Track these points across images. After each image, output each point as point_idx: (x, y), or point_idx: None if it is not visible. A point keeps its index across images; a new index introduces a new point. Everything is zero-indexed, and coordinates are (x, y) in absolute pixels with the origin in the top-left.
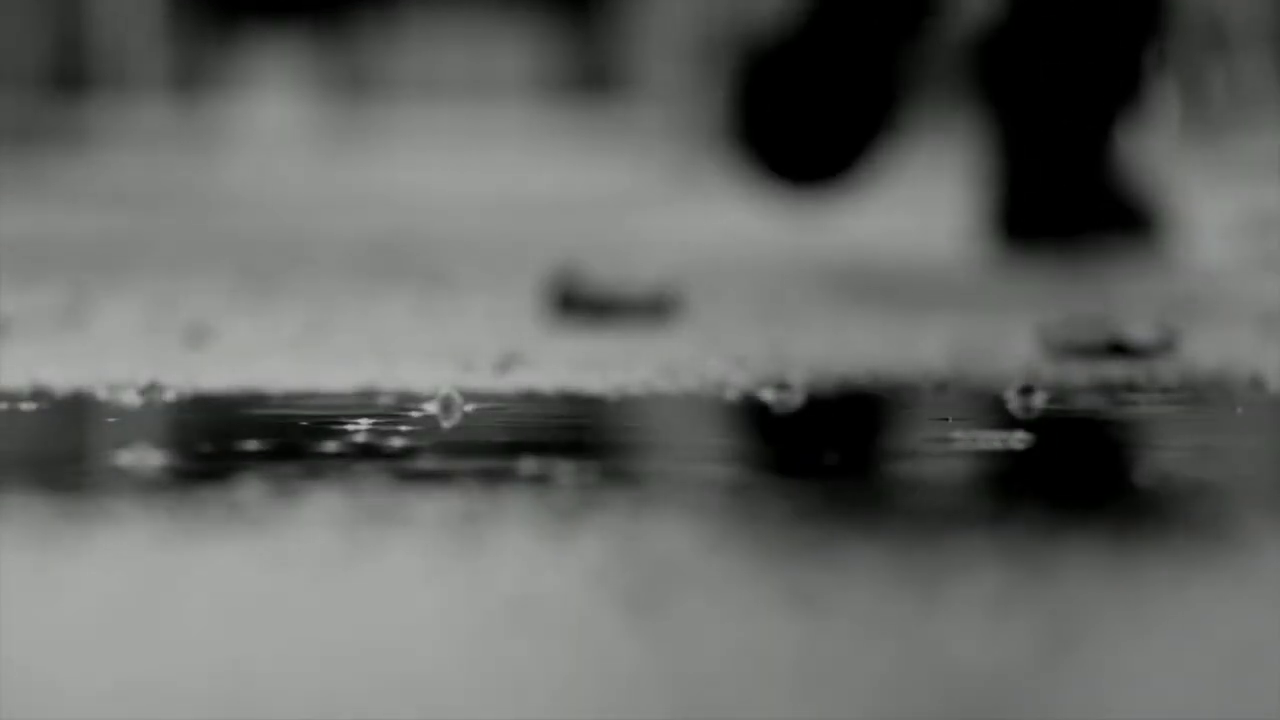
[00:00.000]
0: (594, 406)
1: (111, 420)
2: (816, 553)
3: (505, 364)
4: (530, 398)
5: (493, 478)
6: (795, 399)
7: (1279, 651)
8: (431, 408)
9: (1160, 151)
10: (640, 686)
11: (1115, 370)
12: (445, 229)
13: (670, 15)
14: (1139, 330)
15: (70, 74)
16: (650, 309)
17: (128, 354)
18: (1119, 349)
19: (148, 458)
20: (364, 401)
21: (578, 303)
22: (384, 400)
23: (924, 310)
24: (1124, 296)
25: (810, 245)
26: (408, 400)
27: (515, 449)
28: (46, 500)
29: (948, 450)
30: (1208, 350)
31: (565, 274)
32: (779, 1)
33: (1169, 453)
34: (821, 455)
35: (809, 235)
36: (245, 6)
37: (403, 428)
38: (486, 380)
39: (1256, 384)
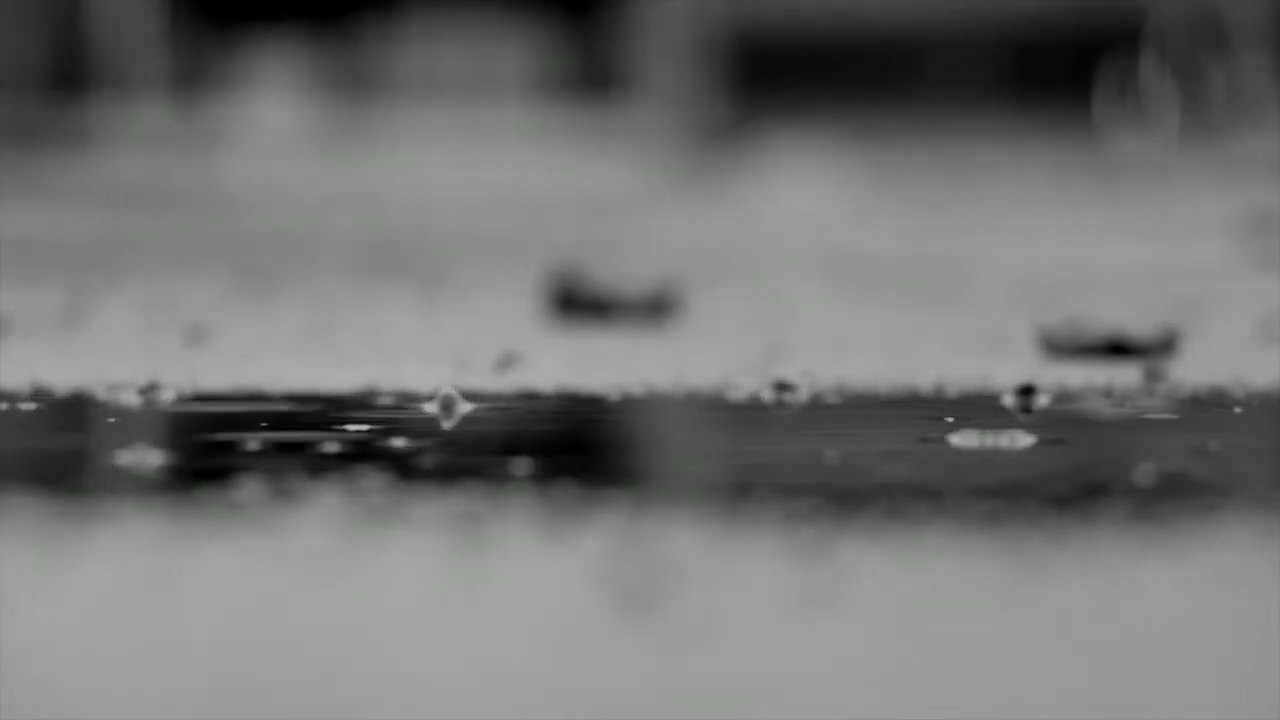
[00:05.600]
0: (594, 406)
1: (111, 420)
2: (816, 552)
3: (505, 364)
4: (530, 398)
5: (493, 478)
6: (796, 399)
7: (1278, 650)
8: (431, 408)
9: (1160, 151)
10: (640, 686)
11: (1115, 370)
12: (445, 229)
13: (670, 15)
14: (1139, 330)
15: (70, 74)
16: (650, 309)
17: (128, 354)
18: (1119, 349)
19: (148, 458)
20: (364, 401)
21: (578, 303)
22: (384, 400)
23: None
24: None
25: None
26: (408, 400)
27: (515, 449)
28: (46, 500)
29: (947, 450)
30: (1208, 350)
31: (565, 274)
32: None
33: (1169, 453)
34: (822, 455)
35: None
36: (245, 6)
37: (403, 428)
38: (486, 380)
39: (1255, 384)
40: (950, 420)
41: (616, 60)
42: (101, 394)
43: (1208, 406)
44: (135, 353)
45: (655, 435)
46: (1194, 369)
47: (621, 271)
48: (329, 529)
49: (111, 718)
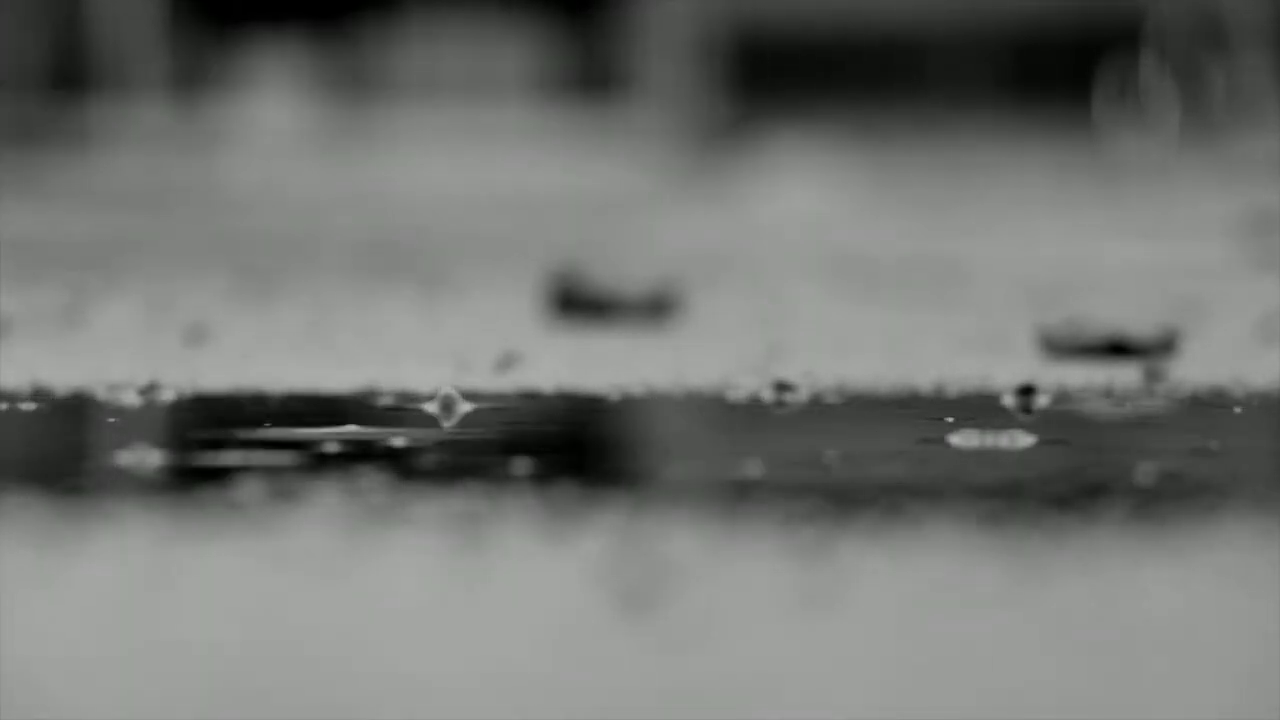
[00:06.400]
0: (594, 406)
1: (111, 420)
2: (816, 552)
3: (505, 364)
4: (530, 398)
5: (493, 478)
6: (796, 399)
7: (1278, 650)
8: (431, 408)
9: (1160, 151)
10: (640, 686)
11: (1115, 370)
12: (445, 229)
13: (670, 15)
14: (1139, 330)
15: (70, 74)
16: (650, 309)
17: (128, 354)
18: (1119, 349)
19: (148, 458)
20: (364, 401)
21: (578, 303)
22: (384, 400)
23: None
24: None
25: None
26: (408, 400)
27: (515, 449)
28: (46, 500)
29: (947, 450)
30: (1208, 350)
31: (565, 274)
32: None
33: (1169, 453)
34: (822, 455)
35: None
36: (245, 6)
37: (403, 428)
38: (486, 380)
39: (1255, 384)
40: (950, 420)
41: (616, 60)
42: (101, 394)
43: (1208, 406)
44: (135, 353)
45: (655, 435)
46: (1194, 369)
47: (621, 271)
48: (329, 529)
49: (111, 718)
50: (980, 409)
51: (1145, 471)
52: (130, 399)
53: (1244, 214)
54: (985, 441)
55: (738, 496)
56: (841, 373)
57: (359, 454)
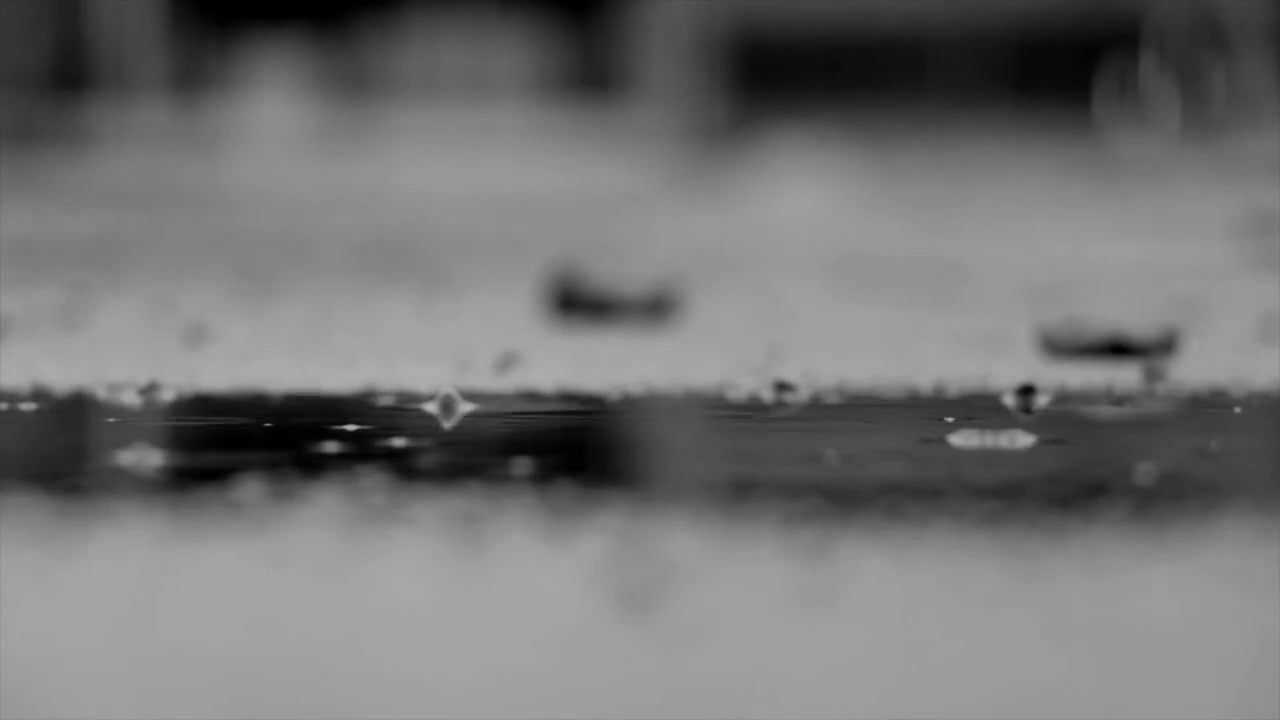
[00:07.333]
0: (594, 406)
1: (111, 420)
2: (816, 552)
3: (505, 364)
4: (530, 398)
5: (493, 478)
6: (796, 399)
7: (1277, 650)
8: (431, 408)
9: (1160, 151)
10: (640, 686)
11: (1115, 370)
12: (445, 229)
13: (670, 15)
14: (1139, 330)
15: (70, 74)
16: (650, 309)
17: (128, 354)
18: (1119, 349)
19: (148, 458)
20: (364, 401)
21: (578, 303)
22: (384, 400)
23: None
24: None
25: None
26: (408, 400)
27: (515, 449)
28: (46, 500)
29: (947, 450)
30: (1208, 350)
31: (565, 274)
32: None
33: (1169, 453)
34: (822, 455)
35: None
36: (245, 6)
37: (403, 428)
38: (486, 380)
39: (1255, 384)
40: (950, 420)
41: (616, 60)
42: (101, 394)
43: (1208, 406)
44: (135, 353)
45: (655, 435)
46: (1194, 369)
47: (621, 271)
48: (329, 529)
49: (111, 718)
50: (980, 409)
51: (1145, 471)
52: (130, 399)
53: (1244, 214)
54: (985, 441)
55: (738, 496)
56: (841, 373)
57: (359, 454)
